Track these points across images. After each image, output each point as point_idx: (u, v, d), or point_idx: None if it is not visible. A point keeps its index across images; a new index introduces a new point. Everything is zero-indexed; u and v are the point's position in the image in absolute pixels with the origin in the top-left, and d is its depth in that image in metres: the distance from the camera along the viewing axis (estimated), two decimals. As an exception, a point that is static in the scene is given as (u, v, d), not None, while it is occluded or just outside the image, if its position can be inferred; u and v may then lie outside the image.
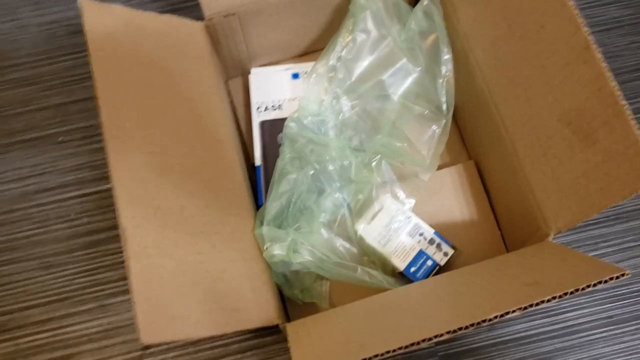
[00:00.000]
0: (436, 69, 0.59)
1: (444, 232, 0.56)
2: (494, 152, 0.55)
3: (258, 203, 0.57)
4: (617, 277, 0.36)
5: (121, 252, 0.43)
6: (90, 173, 0.64)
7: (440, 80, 0.59)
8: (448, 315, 0.40)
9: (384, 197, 0.56)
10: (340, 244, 0.56)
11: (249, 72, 0.64)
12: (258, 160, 0.59)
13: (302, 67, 0.63)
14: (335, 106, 0.58)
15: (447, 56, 0.58)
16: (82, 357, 0.57)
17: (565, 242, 0.61)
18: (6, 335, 0.58)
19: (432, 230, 0.54)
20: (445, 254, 0.54)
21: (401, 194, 0.58)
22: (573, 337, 0.57)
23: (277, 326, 0.46)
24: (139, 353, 0.57)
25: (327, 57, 0.58)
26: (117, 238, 0.61)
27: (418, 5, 0.59)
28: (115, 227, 0.61)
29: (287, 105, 0.61)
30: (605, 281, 0.36)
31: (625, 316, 0.58)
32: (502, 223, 0.58)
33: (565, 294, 0.35)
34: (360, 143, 0.58)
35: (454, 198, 0.59)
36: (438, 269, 0.54)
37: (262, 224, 0.51)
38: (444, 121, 0.60)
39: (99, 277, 0.60)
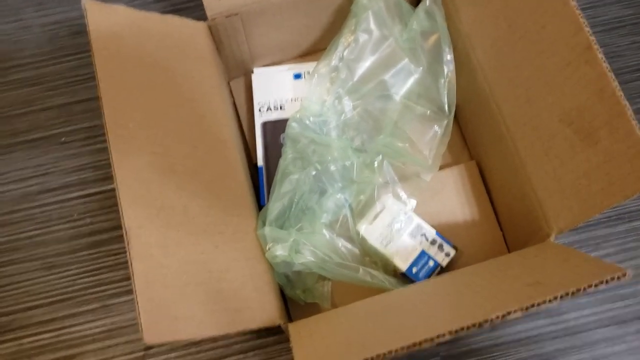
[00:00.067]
0: (438, 69, 0.59)
1: (445, 232, 0.56)
2: (496, 152, 0.55)
3: (260, 203, 0.57)
4: (619, 278, 0.36)
5: (124, 252, 0.43)
6: (93, 173, 0.64)
7: (442, 81, 0.59)
8: (450, 316, 0.40)
9: (385, 198, 0.56)
10: (342, 244, 0.56)
11: (251, 72, 0.64)
12: (260, 160, 0.59)
13: (305, 67, 0.63)
14: (338, 106, 0.58)
15: (448, 56, 0.58)
16: (85, 357, 0.57)
17: (566, 242, 0.60)
18: (9, 336, 0.58)
19: (434, 231, 0.54)
20: (447, 255, 0.54)
21: (403, 195, 0.58)
22: (575, 337, 0.57)
23: (279, 326, 0.46)
24: (141, 353, 0.57)
25: (329, 58, 0.58)
26: (120, 238, 0.61)
27: (420, 6, 0.59)
28: (118, 227, 0.62)
29: (290, 106, 0.61)
30: (607, 281, 0.36)
31: (628, 316, 0.58)
32: (503, 223, 0.58)
33: (567, 294, 0.35)
34: (362, 143, 0.58)
35: (455, 198, 0.59)
36: (440, 270, 0.54)
37: (264, 224, 0.51)
38: (445, 121, 0.60)
39: (101, 278, 0.60)
